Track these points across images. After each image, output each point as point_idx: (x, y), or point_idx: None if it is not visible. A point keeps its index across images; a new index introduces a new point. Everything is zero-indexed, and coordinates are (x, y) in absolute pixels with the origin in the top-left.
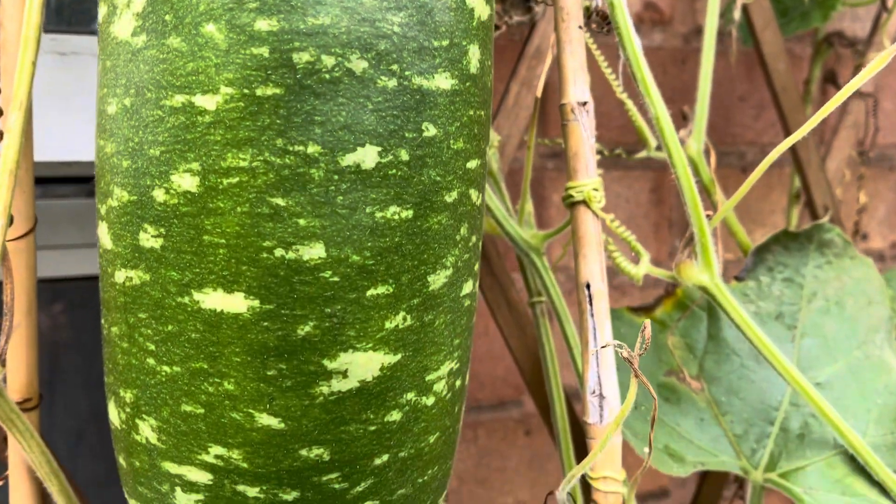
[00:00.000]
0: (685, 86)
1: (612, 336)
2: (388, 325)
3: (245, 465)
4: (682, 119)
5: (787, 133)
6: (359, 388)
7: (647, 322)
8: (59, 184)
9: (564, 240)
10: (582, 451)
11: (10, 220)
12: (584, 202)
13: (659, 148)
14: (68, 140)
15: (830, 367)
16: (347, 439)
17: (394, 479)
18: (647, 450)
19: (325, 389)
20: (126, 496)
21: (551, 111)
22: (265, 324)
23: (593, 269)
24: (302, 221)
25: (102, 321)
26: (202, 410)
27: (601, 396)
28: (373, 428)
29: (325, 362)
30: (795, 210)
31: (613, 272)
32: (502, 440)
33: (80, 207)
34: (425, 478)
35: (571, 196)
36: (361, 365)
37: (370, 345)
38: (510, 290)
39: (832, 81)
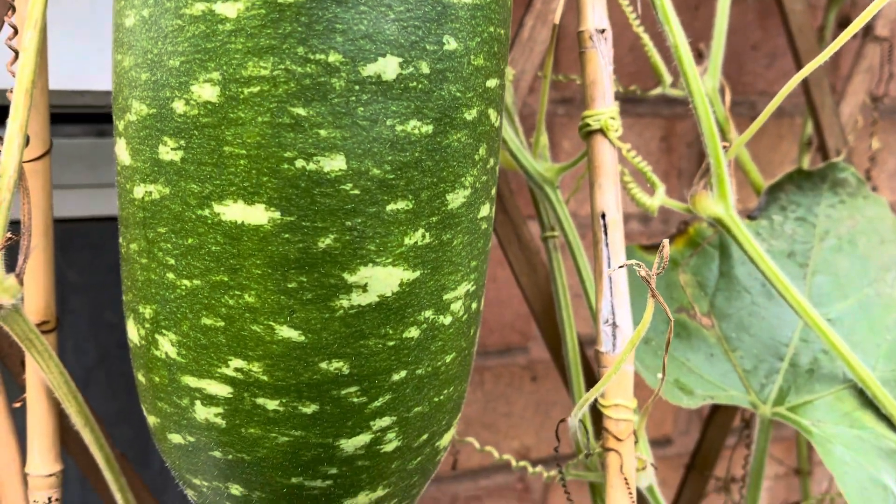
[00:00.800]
0: (697, 33)
1: (625, 269)
2: (407, 241)
3: (265, 377)
4: (697, 57)
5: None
6: (378, 303)
7: (665, 241)
8: (70, 123)
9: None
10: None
11: (27, 141)
12: (601, 131)
13: (674, 84)
14: (81, 69)
15: (841, 304)
16: (367, 353)
17: (411, 396)
18: (660, 375)
19: (345, 303)
20: (145, 413)
21: (563, 53)
22: (286, 236)
23: (609, 199)
24: (323, 132)
25: (121, 239)
26: (222, 323)
27: (614, 325)
28: (391, 343)
29: (346, 276)
30: (806, 158)
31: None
32: (508, 385)
33: (90, 147)
34: (441, 397)
35: (588, 125)
36: (381, 280)
37: (389, 260)
38: (522, 227)
39: (846, 27)
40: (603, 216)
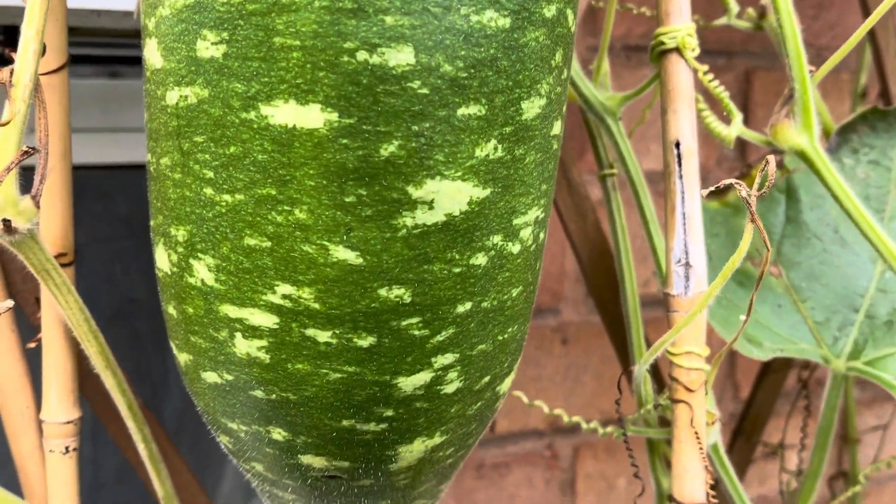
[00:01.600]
0: None
1: (700, 205)
2: (478, 152)
3: (316, 305)
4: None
5: (867, 15)
6: (445, 222)
7: (771, 157)
8: (82, 63)
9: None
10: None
11: (43, 50)
12: (677, 50)
13: (739, 15)
14: None
15: None
16: (430, 280)
17: (475, 332)
18: (743, 317)
19: (408, 221)
20: (175, 351)
21: None
22: (344, 141)
23: (684, 126)
24: (389, 19)
25: (149, 156)
26: (269, 243)
27: (687, 265)
28: (457, 270)
29: (410, 189)
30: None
31: None
32: (538, 348)
33: (102, 89)
34: (505, 336)
35: (662, 43)
36: (449, 195)
37: (459, 173)
38: (572, 169)
39: None
40: (677, 145)
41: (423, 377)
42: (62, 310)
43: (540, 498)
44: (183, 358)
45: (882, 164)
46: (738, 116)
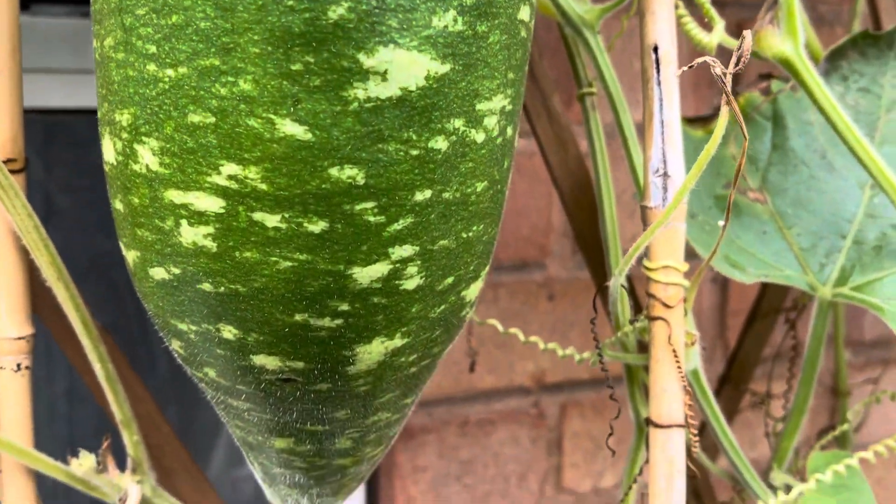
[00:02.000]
0: None
1: (678, 116)
2: (435, 21)
3: (264, 186)
4: None
5: None
6: (400, 97)
7: (747, 32)
8: (52, 2)
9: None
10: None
11: None
12: None
13: None
14: None
15: None
16: (386, 161)
17: (436, 225)
18: (721, 222)
19: (360, 94)
20: (124, 251)
21: None
22: (289, 3)
23: (662, 29)
24: None
25: (95, 42)
26: (213, 119)
27: (665, 175)
28: (415, 153)
29: (361, 57)
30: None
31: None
32: (524, 304)
33: (73, 29)
34: (470, 234)
35: None
36: (404, 67)
37: (414, 43)
38: (551, 98)
39: None
40: (655, 49)
41: (380, 269)
42: (10, 216)
43: (526, 456)
44: (131, 256)
45: (872, 92)
46: (719, 23)
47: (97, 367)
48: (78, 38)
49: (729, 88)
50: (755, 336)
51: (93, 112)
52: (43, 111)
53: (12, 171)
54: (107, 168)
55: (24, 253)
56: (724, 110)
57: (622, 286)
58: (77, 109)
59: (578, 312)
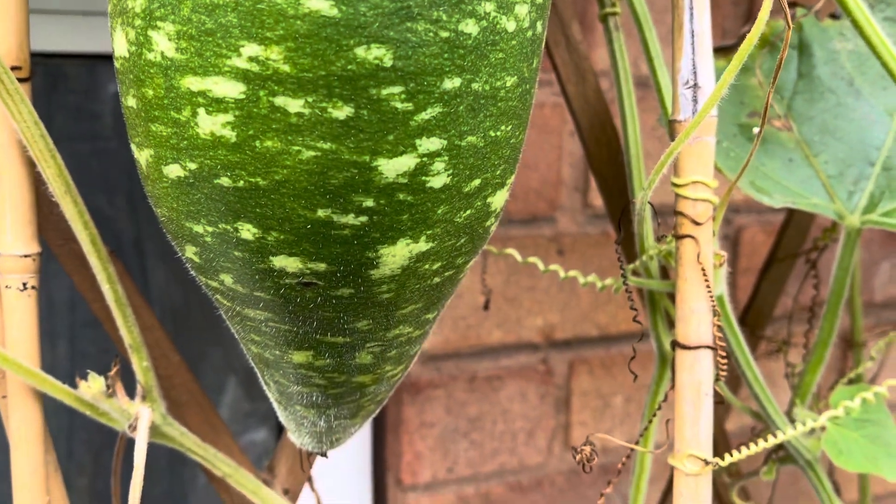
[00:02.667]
0: None
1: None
2: None
3: (286, 67)
4: None
5: None
6: None
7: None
8: None
9: None
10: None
11: None
12: None
13: None
14: None
15: None
16: (415, 42)
17: (464, 118)
18: (756, 129)
19: None
20: (136, 152)
21: None
22: None
23: None
24: None
25: None
26: None
27: (695, 86)
28: (444, 35)
29: None
30: None
31: None
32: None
33: None
34: (498, 133)
35: None
36: None
37: None
38: (571, 24)
39: None
40: None
41: (407, 162)
42: (15, 123)
43: (534, 413)
44: (144, 157)
45: None
46: None
47: (106, 289)
48: None
49: None
50: (771, 281)
51: (89, 57)
52: (44, 54)
53: (19, 80)
54: (118, 64)
55: (31, 166)
56: (754, 30)
57: (649, 202)
58: (78, 54)
59: (588, 268)
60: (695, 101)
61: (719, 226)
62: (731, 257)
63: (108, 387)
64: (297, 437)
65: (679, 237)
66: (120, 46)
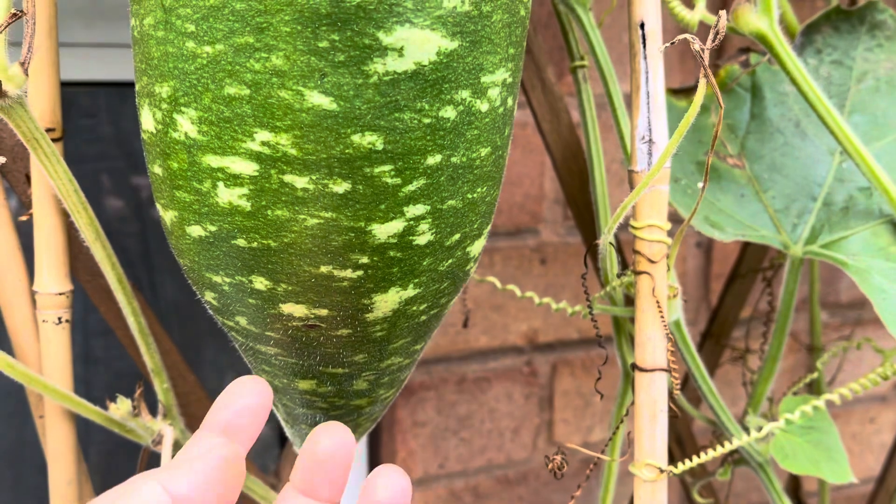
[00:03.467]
0: None
1: (663, 87)
2: (445, 3)
3: (294, 151)
4: None
5: None
6: (415, 70)
7: (723, 13)
8: None
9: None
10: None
11: None
12: None
13: None
14: None
15: (879, 143)
16: (402, 128)
17: (445, 186)
18: (700, 185)
19: (379, 68)
20: (161, 211)
21: None
22: None
23: (648, 7)
24: None
25: (133, 20)
26: (247, 91)
27: (650, 142)
28: (427, 121)
29: (381, 35)
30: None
31: None
32: (518, 268)
33: (86, 2)
34: (475, 195)
35: None
36: (418, 44)
37: (427, 22)
38: (546, 70)
39: None
40: (641, 25)
41: (396, 226)
42: (52, 181)
43: (519, 412)
44: (169, 216)
45: (844, 65)
46: (701, 1)
47: (131, 321)
48: (91, 12)
49: (707, 62)
50: (734, 295)
51: (102, 84)
52: None
53: (53, 140)
54: (145, 136)
55: (64, 216)
56: (702, 82)
57: (610, 243)
58: (89, 82)
59: (569, 276)
60: (650, 154)
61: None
62: (703, 264)
63: (134, 407)
64: None
65: (637, 273)
66: (147, 123)
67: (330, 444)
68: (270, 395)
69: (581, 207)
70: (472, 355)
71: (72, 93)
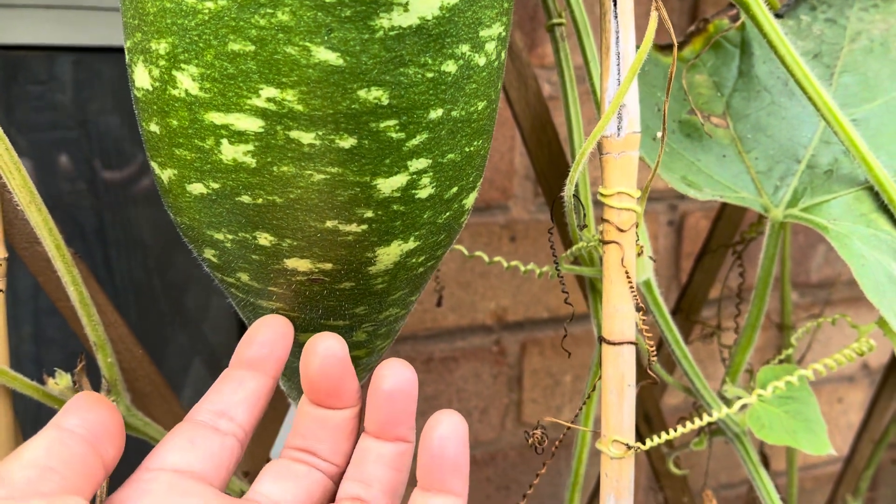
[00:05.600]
0: None
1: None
2: None
3: (300, 107)
4: None
5: None
6: (419, 25)
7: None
8: None
9: None
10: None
11: None
12: None
13: None
14: None
15: (868, 105)
16: (406, 83)
17: (446, 140)
18: (659, 134)
19: (385, 23)
20: (157, 169)
21: None
22: None
23: None
24: None
25: None
26: (253, 47)
27: (621, 105)
28: (430, 75)
29: None
30: None
31: None
32: (487, 245)
33: None
34: (471, 148)
35: None
36: None
37: None
38: (513, 33)
39: None
40: None
41: (400, 180)
42: None
43: (487, 392)
44: (167, 174)
45: (838, 23)
46: None
47: (71, 291)
48: None
49: (665, 14)
50: (704, 270)
51: (55, 49)
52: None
53: None
54: (139, 94)
55: None
56: (654, 15)
57: (574, 195)
58: (41, 46)
59: (539, 254)
60: (619, 118)
61: (665, 213)
62: (675, 242)
63: (74, 382)
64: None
65: (605, 242)
66: (142, 80)
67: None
68: (290, 326)
69: (550, 179)
70: (440, 334)
71: (21, 57)
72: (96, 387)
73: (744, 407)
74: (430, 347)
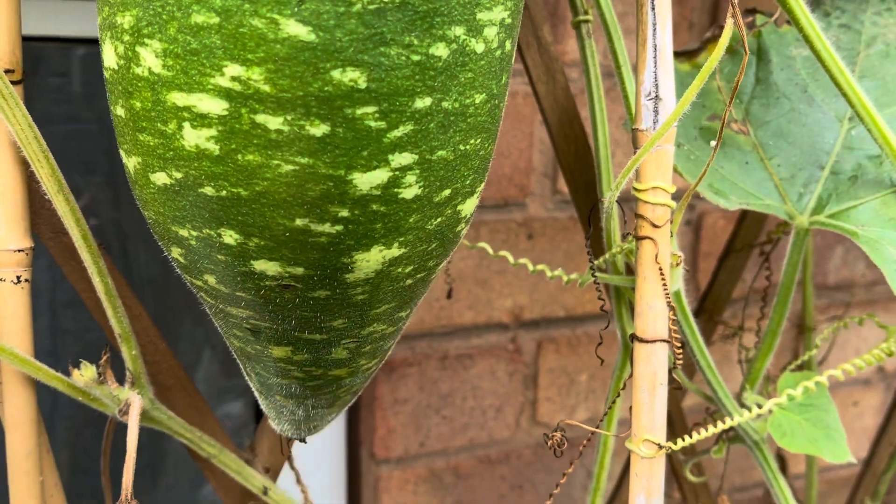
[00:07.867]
0: None
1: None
2: None
3: (267, 87)
4: None
5: None
6: (402, 0)
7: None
8: None
9: None
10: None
11: None
12: None
13: None
14: None
15: (889, 109)
16: (387, 65)
17: (435, 134)
18: (713, 143)
19: None
20: (124, 158)
21: None
22: None
23: None
24: None
25: None
26: (217, 19)
27: (657, 98)
28: (416, 58)
29: None
30: None
31: None
32: (504, 242)
33: None
34: (467, 147)
35: None
36: None
37: None
38: (542, 27)
39: None
40: None
41: (380, 176)
42: (10, 126)
43: (502, 390)
44: (132, 162)
45: (853, 28)
46: None
47: (97, 282)
48: None
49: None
50: (729, 270)
51: (42, 39)
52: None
53: (12, 82)
54: (107, 74)
55: (24, 165)
56: (728, 24)
57: (617, 201)
58: (56, 38)
59: (556, 251)
60: (656, 111)
61: (682, 213)
62: (693, 241)
63: (99, 374)
64: (277, 424)
65: (639, 238)
66: (109, 58)
67: None
68: None
69: (576, 175)
70: (456, 331)
71: (40, 48)
72: (120, 378)
73: (763, 414)
74: (445, 344)
